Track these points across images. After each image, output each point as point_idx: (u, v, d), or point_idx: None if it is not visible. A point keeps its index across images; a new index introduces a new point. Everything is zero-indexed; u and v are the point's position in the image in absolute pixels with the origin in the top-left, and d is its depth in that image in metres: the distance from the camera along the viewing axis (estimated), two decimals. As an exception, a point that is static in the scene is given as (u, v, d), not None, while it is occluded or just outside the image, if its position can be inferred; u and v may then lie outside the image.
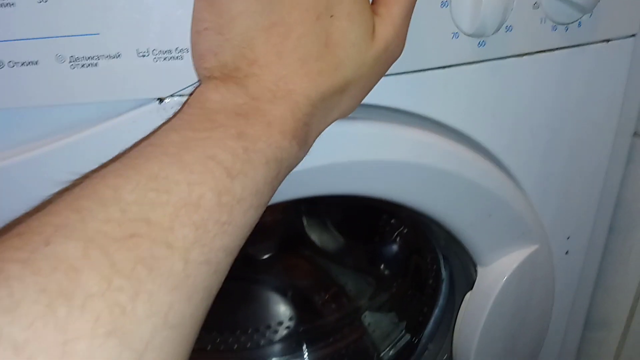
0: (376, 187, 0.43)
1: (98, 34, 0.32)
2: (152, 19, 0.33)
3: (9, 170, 0.34)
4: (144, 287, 0.21)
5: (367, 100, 0.37)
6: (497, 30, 0.39)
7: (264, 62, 0.31)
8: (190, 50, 0.34)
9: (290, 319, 0.77)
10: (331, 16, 0.31)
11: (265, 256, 0.75)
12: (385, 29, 0.33)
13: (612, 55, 0.46)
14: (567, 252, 0.55)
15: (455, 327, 0.54)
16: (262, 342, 0.74)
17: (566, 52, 0.44)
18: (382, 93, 0.38)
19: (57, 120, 0.35)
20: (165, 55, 0.34)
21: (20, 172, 0.35)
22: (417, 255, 0.67)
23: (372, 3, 0.34)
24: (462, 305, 0.53)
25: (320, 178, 0.41)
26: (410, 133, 0.42)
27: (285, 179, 0.31)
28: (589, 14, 0.42)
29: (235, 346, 0.73)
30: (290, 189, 0.35)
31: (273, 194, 0.30)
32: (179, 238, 0.23)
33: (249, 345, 0.74)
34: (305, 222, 0.75)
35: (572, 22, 0.42)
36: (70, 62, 0.32)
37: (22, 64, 0.32)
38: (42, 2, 0.31)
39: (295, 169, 0.32)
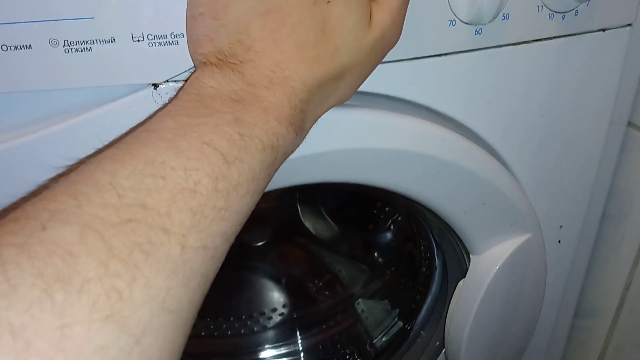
0: (371, 175, 0.43)
1: (92, 18, 0.32)
2: (147, 3, 0.32)
3: (3, 155, 0.34)
4: (141, 272, 0.21)
5: (363, 87, 0.36)
6: (494, 18, 0.39)
7: (260, 48, 0.30)
8: (185, 35, 0.33)
9: (284, 305, 0.77)
10: (328, 2, 0.31)
11: (260, 243, 0.76)
12: (382, 15, 0.33)
13: (608, 44, 0.46)
14: (559, 241, 0.55)
15: (448, 314, 0.55)
16: (256, 328, 0.75)
17: (562, 41, 0.44)
18: (378, 80, 0.38)
19: (52, 105, 0.35)
20: (160, 40, 0.33)
21: (15, 157, 0.34)
22: (411, 243, 0.67)
23: (369, -12, 0.34)
24: (454, 293, 0.53)
25: (316, 165, 0.41)
26: (406, 121, 0.42)
27: (281, 166, 0.31)
28: (586, 3, 0.42)
29: (229, 332, 0.73)
30: (286, 176, 0.35)
31: (269, 180, 0.30)
32: (175, 223, 0.23)
33: (242, 331, 0.74)
34: (299, 209, 0.75)
35: (569, 11, 0.42)
36: (64, 46, 0.32)
37: (16, 48, 0.32)
38: (35, -15, 0.30)
39: (290, 156, 0.32)
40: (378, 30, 0.33)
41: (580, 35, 0.44)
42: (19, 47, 0.32)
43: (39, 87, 0.33)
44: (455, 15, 0.39)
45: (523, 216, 0.48)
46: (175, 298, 0.23)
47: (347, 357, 0.74)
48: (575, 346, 0.72)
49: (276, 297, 0.78)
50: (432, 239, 0.58)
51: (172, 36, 0.34)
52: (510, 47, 0.42)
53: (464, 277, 0.52)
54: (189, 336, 0.25)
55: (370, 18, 0.33)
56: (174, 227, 0.23)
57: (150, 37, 0.33)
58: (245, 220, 0.28)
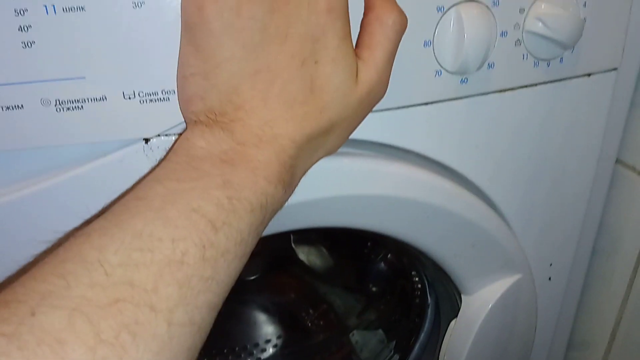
0: (361, 220, 0.43)
1: (84, 77, 0.32)
2: (138, 62, 0.33)
3: (-6, 211, 0.34)
4: (128, 354, 0.21)
5: (352, 135, 0.37)
6: (479, 68, 0.40)
7: (250, 107, 0.31)
8: (176, 91, 0.34)
9: (279, 337, 0.77)
10: (316, 62, 0.32)
11: (253, 277, 0.76)
12: (369, 73, 0.34)
13: (594, 88, 0.46)
14: (550, 278, 0.56)
15: (441, 353, 0.55)
16: (250, 360, 0.75)
17: (548, 87, 0.44)
18: (367, 128, 0.38)
19: (43, 161, 0.35)
20: (151, 97, 0.34)
21: (6, 214, 0.35)
22: (403, 279, 0.67)
23: (356, 47, 0.35)
24: (447, 332, 0.53)
25: (305, 212, 0.41)
26: (395, 168, 0.42)
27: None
28: (571, 50, 0.43)
29: (224, 365, 0.73)
30: (276, 223, 0.35)
31: (257, 240, 0.30)
32: (162, 299, 0.23)
33: (237, 364, 0.74)
34: (293, 241, 0.76)
35: (554, 58, 0.43)
36: (56, 105, 0.33)
37: (7, 108, 0.32)
38: (27, 48, 0.31)
39: (281, 204, 0.32)
40: (365, 87, 0.34)
41: (565, 81, 0.45)
42: (10, 108, 0.32)
43: (30, 145, 0.33)
44: (441, 65, 0.40)
45: (513, 257, 0.48)
46: None
47: (342, 389, 0.73)
48: (569, 377, 0.72)
49: (270, 328, 0.78)
50: (424, 277, 0.59)
51: (163, 92, 0.34)
52: (496, 94, 0.43)
53: (456, 316, 0.52)
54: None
55: (357, 75, 0.34)
56: (160, 302, 0.23)
57: (141, 94, 0.34)
58: (233, 284, 0.28)
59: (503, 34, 0.40)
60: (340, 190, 0.41)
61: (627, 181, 0.56)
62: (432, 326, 0.61)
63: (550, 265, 0.55)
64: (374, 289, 0.78)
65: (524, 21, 0.40)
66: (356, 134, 0.37)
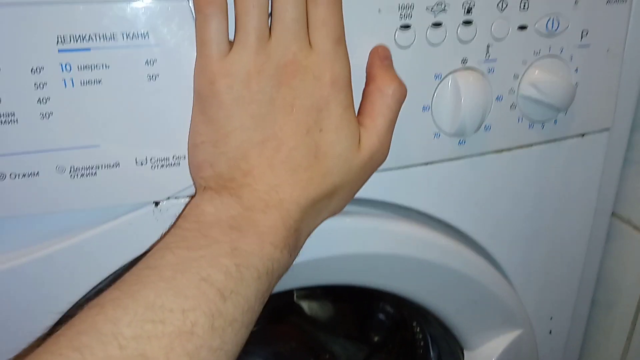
0: (364, 278, 0.44)
1: (98, 145, 0.34)
2: (150, 130, 0.34)
3: (8, 274, 0.35)
4: None
5: (357, 194, 0.38)
6: (476, 130, 0.41)
7: (257, 173, 0.32)
8: (186, 157, 0.35)
9: (280, 388, 0.76)
10: (320, 130, 0.33)
11: (254, 329, 0.75)
12: (371, 139, 0.35)
13: (588, 148, 0.48)
14: (550, 332, 0.56)
15: (444, 408, 0.55)
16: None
17: (543, 147, 0.46)
18: (370, 187, 0.39)
19: (54, 225, 0.36)
20: (162, 163, 0.35)
21: (17, 278, 0.35)
22: (405, 330, 0.67)
23: (359, 114, 0.37)
24: (450, 387, 0.54)
25: (309, 271, 0.42)
26: (396, 226, 0.43)
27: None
28: (564, 112, 0.45)
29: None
30: (279, 283, 0.36)
31: (263, 306, 0.31)
32: None
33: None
34: (296, 297, 0.76)
35: (548, 120, 0.45)
36: (70, 172, 0.34)
37: (23, 176, 0.33)
38: (44, 119, 0.32)
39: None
40: (367, 152, 0.35)
41: (560, 141, 0.46)
42: (27, 175, 0.33)
43: (44, 211, 0.34)
44: (439, 128, 0.41)
45: (514, 312, 0.49)
46: None
47: None
48: None
49: (272, 380, 0.77)
50: (427, 332, 0.59)
51: (174, 158, 0.35)
52: (494, 154, 0.44)
53: (458, 371, 0.52)
54: None
55: (359, 141, 0.35)
56: None
57: (153, 160, 0.35)
58: (240, 351, 0.29)
59: (499, 98, 0.42)
60: (342, 249, 0.42)
61: (623, 234, 0.57)
62: (435, 380, 0.61)
63: (551, 319, 0.55)
64: (376, 338, 0.78)
65: (519, 86, 0.42)
66: (359, 193, 0.39)
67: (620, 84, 0.47)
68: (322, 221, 0.37)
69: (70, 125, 0.33)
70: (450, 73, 0.40)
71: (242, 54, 0.31)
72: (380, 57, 0.36)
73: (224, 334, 0.26)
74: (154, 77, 0.33)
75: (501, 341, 0.49)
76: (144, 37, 0.32)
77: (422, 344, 0.61)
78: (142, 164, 0.35)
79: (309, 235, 0.36)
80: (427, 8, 0.37)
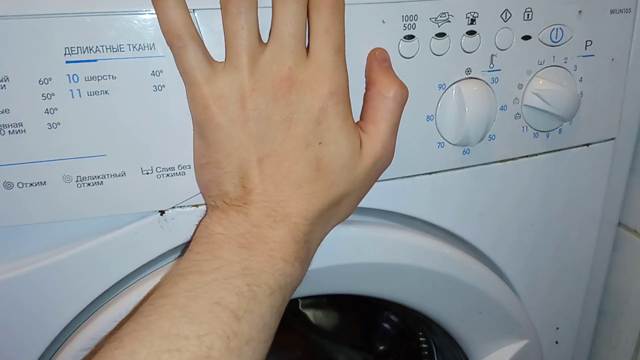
0: (368, 287, 0.44)
1: (105, 155, 0.34)
2: (156, 139, 0.35)
3: (13, 282, 0.36)
4: None
5: (360, 203, 0.38)
6: (481, 140, 0.41)
7: (261, 190, 0.33)
8: (192, 166, 0.36)
9: (285, 397, 0.76)
10: (320, 143, 0.33)
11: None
12: (374, 146, 0.35)
13: (593, 157, 0.48)
14: (556, 342, 0.56)
15: (449, 419, 0.54)
16: None
17: (548, 157, 0.46)
18: (374, 197, 0.40)
19: (61, 233, 0.37)
20: (168, 172, 0.36)
21: (25, 285, 0.36)
22: (410, 340, 0.67)
23: (361, 119, 0.37)
24: (455, 398, 0.53)
25: (315, 280, 0.42)
26: (401, 235, 0.43)
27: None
28: (569, 122, 0.45)
29: None
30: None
31: (279, 320, 0.31)
32: None
33: None
34: (301, 306, 0.76)
35: (553, 130, 0.45)
36: (77, 181, 0.34)
37: (31, 185, 0.34)
38: (52, 129, 0.33)
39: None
40: (371, 159, 0.35)
41: (565, 151, 0.46)
42: (34, 184, 0.34)
43: (52, 219, 0.35)
44: (443, 138, 0.41)
45: (519, 323, 0.49)
46: None
47: None
48: None
49: (277, 389, 0.77)
50: (432, 342, 0.59)
51: (180, 168, 0.36)
52: (498, 164, 0.44)
53: (464, 381, 0.52)
54: None
55: (361, 148, 0.35)
56: None
57: (159, 169, 0.35)
58: None
59: (503, 108, 0.42)
60: (347, 259, 0.42)
61: (629, 244, 0.57)
62: (441, 391, 0.61)
63: (557, 329, 0.55)
64: (381, 347, 0.78)
65: (523, 96, 0.42)
66: (364, 203, 0.39)
67: (625, 93, 0.47)
68: (331, 229, 0.37)
69: (77, 135, 0.33)
70: (454, 83, 0.40)
71: (234, 75, 0.32)
72: (379, 60, 0.36)
73: (241, 353, 0.27)
74: (159, 88, 0.34)
75: (507, 351, 0.49)
76: (150, 48, 0.33)
77: (427, 353, 0.61)
78: (147, 173, 0.35)
79: (319, 244, 0.36)
80: (430, 19, 0.37)
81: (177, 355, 0.25)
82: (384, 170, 0.38)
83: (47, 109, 0.32)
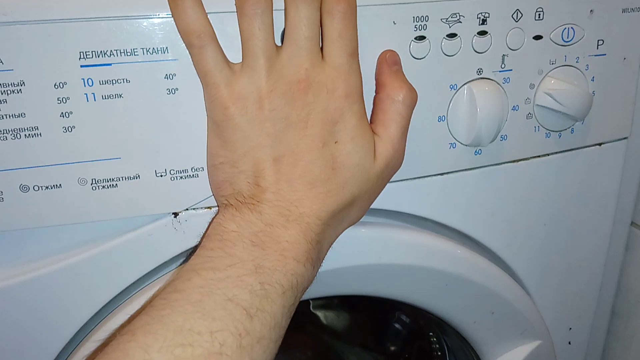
0: (381, 288, 0.44)
1: (119, 158, 0.35)
2: (170, 142, 0.35)
3: (28, 285, 0.36)
4: None
5: (373, 205, 0.39)
6: (493, 140, 0.41)
7: (276, 189, 0.33)
8: (204, 168, 0.36)
9: (296, 398, 0.76)
10: (336, 142, 0.34)
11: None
12: (385, 147, 0.36)
13: (606, 157, 0.48)
14: (569, 343, 0.55)
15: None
16: None
17: (560, 156, 0.46)
18: (387, 198, 0.40)
19: (75, 235, 0.37)
20: (182, 174, 0.36)
21: (40, 287, 0.36)
22: (422, 340, 0.67)
23: (371, 122, 0.37)
24: (467, 399, 0.53)
25: (327, 281, 0.42)
26: (413, 236, 0.43)
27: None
28: (581, 121, 0.45)
29: None
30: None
31: (289, 320, 0.31)
32: None
33: None
34: (312, 307, 0.76)
35: (565, 129, 0.44)
36: (92, 184, 0.35)
37: (47, 188, 0.34)
38: (67, 132, 0.33)
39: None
40: (383, 161, 0.36)
41: (577, 150, 0.46)
42: (50, 187, 0.34)
43: (67, 222, 0.35)
44: (455, 139, 0.41)
45: (532, 324, 0.49)
46: None
47: None
48: None
49: (288, 389, 0.77)
50: (444, 343, 0.59)
51: (193, 170, 0.36)
52: (510, 164, 0.44)
53: (477, 382, 0.52)
54: None
55: (375, 150, 0.35)
56: None
57: (172, 172, 0.36)
58: None
59: (515, 108, 0.42)
60: (359, 260, 0.42)
61: (643, 243, 0.57)
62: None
63: (570, 329, 0.55)
64: (392, 348, 0.78)
65: (535, 96, 0.42)
66: (376, 204, 0.39)
67: (637, 92, 0.46)
68: (342, 231, 0.38)
69: (92, 139, 0.34)
70: (465, 83, 0.40)
71: (252, 76, 0.32)
72: (389, 64, 0.37)
73: (252, 351, 0.27)
74: (173, 91, 0.34)
75: (520, 352, 0.49)
76: (164, 52, 0.33)
77: (439, 354, 0.61)
78: (161, 176, 0.36)
79: (330, 245, 0.37)
80: (442, 19, 0.37)
81: (190, 350, 0.26)
82: (394, 173, 0.38)
83: (62, 113, 0.33)
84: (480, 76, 0.40)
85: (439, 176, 0.43)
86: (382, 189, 0.38)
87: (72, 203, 0.35)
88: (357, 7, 0.34)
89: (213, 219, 0.34)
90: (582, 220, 0.50)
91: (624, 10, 0.43)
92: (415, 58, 0.38)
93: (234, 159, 0.33)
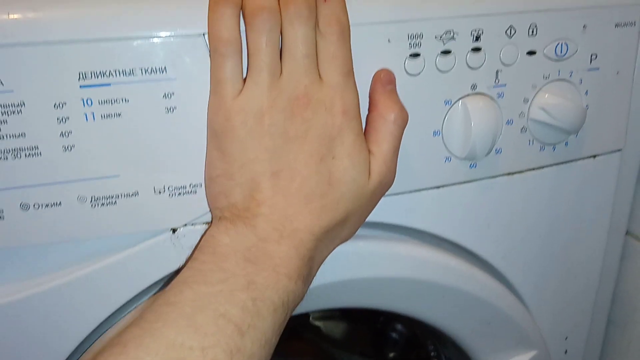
0: (377, 301, 0.45)
1: (118, 175, 0.35)
2: (168, 159, 0.35)
3: (23, 304, 0.36)
4: None
5: (368, 218, 0.39)
6: (487, 154, 0.42)
7: (271, 203, 0.33)
8: (203, 185, 0.36)
9: (295, 406, 0.76)
10: (333, 157, 0.34)
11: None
12: (379, 165, 0.36)
13: (600, 169, 0.48)
14: (566, 352, 0.56)
15: None
16: None
17: (555, 169, 0.46)
18: (382, 211, 0.40)
19: (74, 252, 0.37)
20: (180, 191, 0.36)
21: (38, 305, 0.36)
22: (420, 348, 0.68)
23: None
24: (465, 409, 0.53)
25: (323, 295, 0.43)
26: (409, 249, 0.44)
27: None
28: (575, 134, 0.45)
29: None
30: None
31: (279, 337, 0.32)
32: None
33: None
34: (312, 319, 0.76)
35: (559, 142, 0.45)
36: (91, 201, 0.35)
37: (47, 206, 0.34)
38: (67, 151, 0.34)
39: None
40: (376, 178, 0.36)
41: (571, 163, 0.46)
42: (49, 205, 0.35)
43: (66, 239, 0.36)
44: (450, 152, 0.42)
45: (528, 333, 0.49)
46: None
47: None
48: None
49: (287, 397, 0.78)
50: (441, 353, 0.59)
51: (191, 186, 0.36)
52: (505, 176, 0.45)
53: (474, 392, 0.52)
54: None
55: (369, 167, 0.36)
56: None
57: (171, 188, 0.36)
58: None
59: (509, 122, 0.42)
60: (356, 273, 0.43)
61: (638, 252, 0.57)
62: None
63: (566, 338, 0.55)
64: (390, 355, 0.78)
65: (529, 110, 0.43)
66: (372, 217, 0.39)
67: (631, 105, 0.47)
68: (334, 249, 0.38)
69: (91, 157, 0.34)
70: (460, 99, 0.40)
71: (255, 90, 0.32)
72: (383, 83, 0.37)
73: None
74: (171, 110, 0.34)
75: (516, 362, 0.50)
76: (162, 72, 0.33)
77: (437, 363, 0.61)
78: (160, 193, 0.36)
79: (321, 263, 0.37)
80: (436, 37, 0.38)
81: None
82: (386, 191, 0.38)
83: (62, 132, 0.33)
84: (475, 91, 0.41)
85: (435, 189, 0.43)
86: (373, 207, 0.39)
87: (72, 220, 0.35)
88: (352, 26, 0.34)
89: (206, 230, 0.34)
90: (577, 231, 0.50)
91: (616, 25, 0.43)
92: (410, 74, 0.38)
93: (231, 172, 0.33)
